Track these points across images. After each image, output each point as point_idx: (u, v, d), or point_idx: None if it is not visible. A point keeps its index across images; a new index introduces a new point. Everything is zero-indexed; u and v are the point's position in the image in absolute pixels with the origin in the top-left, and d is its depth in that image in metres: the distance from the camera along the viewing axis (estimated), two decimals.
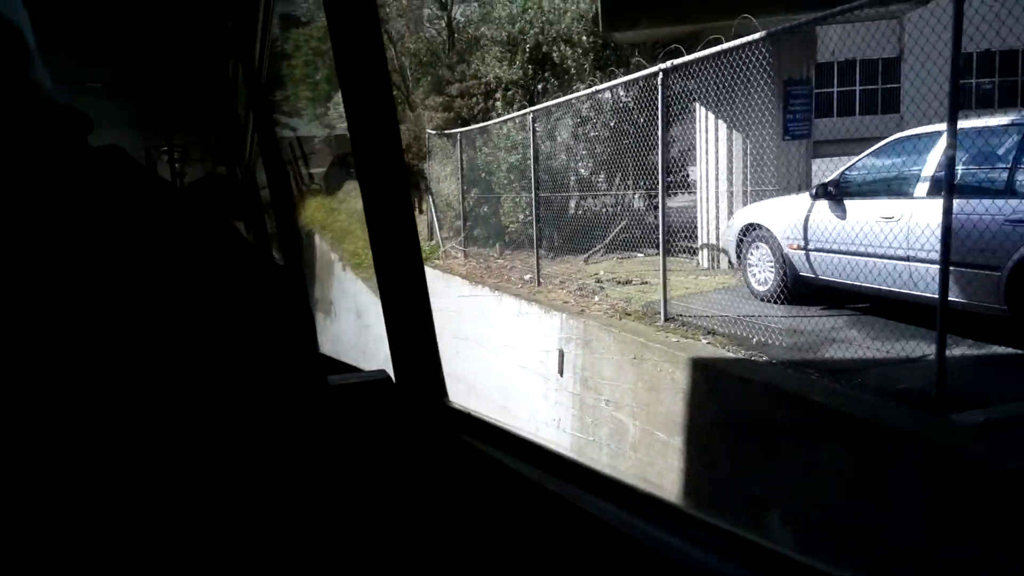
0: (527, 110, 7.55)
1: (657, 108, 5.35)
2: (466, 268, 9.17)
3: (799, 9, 6.52)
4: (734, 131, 6.88)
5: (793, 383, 3.97)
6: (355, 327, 10.99)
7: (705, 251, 7.42)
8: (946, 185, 3.53)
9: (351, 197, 15.72)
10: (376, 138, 1.04)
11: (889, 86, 22.33)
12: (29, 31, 0.64)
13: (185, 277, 0.53)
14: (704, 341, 4.96)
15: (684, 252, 7.90)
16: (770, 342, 4.71)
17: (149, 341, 0.51)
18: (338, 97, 16.93)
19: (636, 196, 8.10)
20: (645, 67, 5.87)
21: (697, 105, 7.06)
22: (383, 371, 1.20)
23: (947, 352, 3.59)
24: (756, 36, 4.82)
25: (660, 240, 5.58)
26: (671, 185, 7.84)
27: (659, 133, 5.35)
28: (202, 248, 0.56)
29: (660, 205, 5.50)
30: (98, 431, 0.50)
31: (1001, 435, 3.08)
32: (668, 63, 5.19)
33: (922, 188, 4.47)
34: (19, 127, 0.58)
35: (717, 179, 7.12)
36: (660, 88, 5.27)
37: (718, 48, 5.01)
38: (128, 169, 0.61)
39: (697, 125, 7.24)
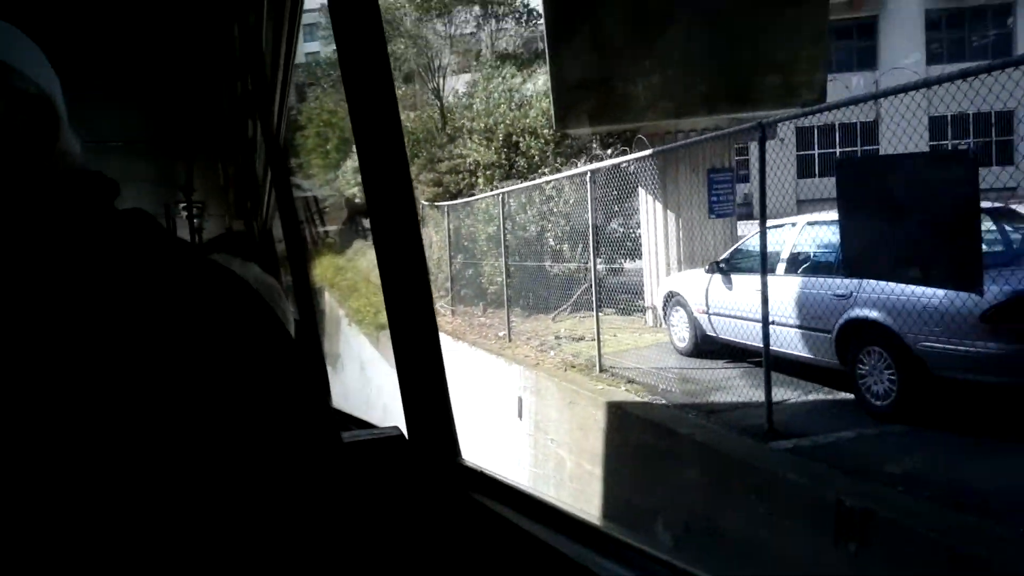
0: (497, 191, 8.91)
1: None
2: (452, 325, 10.40)
3: (713, 112, 7.90)
4: (668, 210, 8.15)
5: (673, 421, 5.10)
6: (363, 381, 12.12)
7: (650, 312, 8.59)
8: (761, 267, 4.73)
9: (359, 256, 17.11)
10: (393, 202, 1.07)
11: (868, 147, 23.54)
12: (60, 97, 0.66)
13: (204, 338, 0.55)
14: (623, 388, 6.10)
15: (638, 311, 9.07)
16: (671, 389, 5.85)
17: (166, 401, 0.53)
18: (346, 164, 18.51)
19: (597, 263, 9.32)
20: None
21: (640, 188, 8.36)
22: (396, 428, 1.19)
23: (807, 396, 4.74)
24: (646, 153, 6.13)
25: (594, 305, 6.79)
26: (627, 253, 9.11)
27: (589, 219, 6.62)
28: (220, 309, 0.58)
29: (592, 279, 6.73)
30: (116, 492, 0.51)
31: (799, 458, 4.19)
32: (590, 166, 6.50)
33: (780, 267, 5.66)
34: (49, 194, 0.61)
35: (657, 250, 8.36)
36: (588, 184, 6.57)
37: (631, 157, 6.31)
38: (151, 233, 0.64)
39: (641, 204, 8.53)
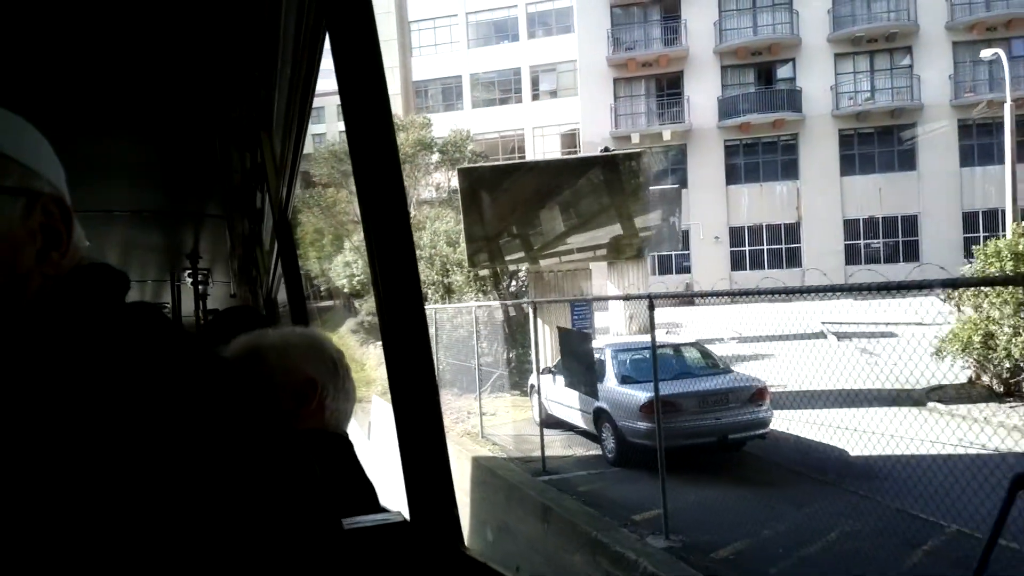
0: (431, 307, 12.60)
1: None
2: None
3: (566, 257, 11.61)
4: (546, 326, 11.77)
5: (499, 467, 8.53)
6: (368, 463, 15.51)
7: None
8: (536, 373, 8.30)
9: (351, 333, 20.61)
10: (401, 303, 1.08)
11: (792, 246, 27.19)
12: (67, 191, 0.66)
13: (198, 437, 0.55)
14: (487, 449, 9.54)
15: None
16: (514, 449, 9.29)
17: (158, 499, 0.52)
18: (340, 256, 22.11)
19: (509, 358, 12.92)
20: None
21: (528, 308, 12.00)
22: (399, 513, 1.17)
23: (585, 452, 8.13)
24: (523, 302, 9.80)
25: (477, 392, 10.32)
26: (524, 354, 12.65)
27: (474, 344, 10.24)
28: (217, 410, 0.58)
29: (476, 375, 10.28)
30: None
31: (547, 484, 7.60)
32: (477, 303, 10.16)
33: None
34: (62, 290, 0.62)
35: (541, 352, 11.94)
36: (475, 317, 10.21)
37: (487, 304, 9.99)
38: (157, 329, 0.64)
39: (531, 320, 12.14)
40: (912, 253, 25.93)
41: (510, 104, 34.30)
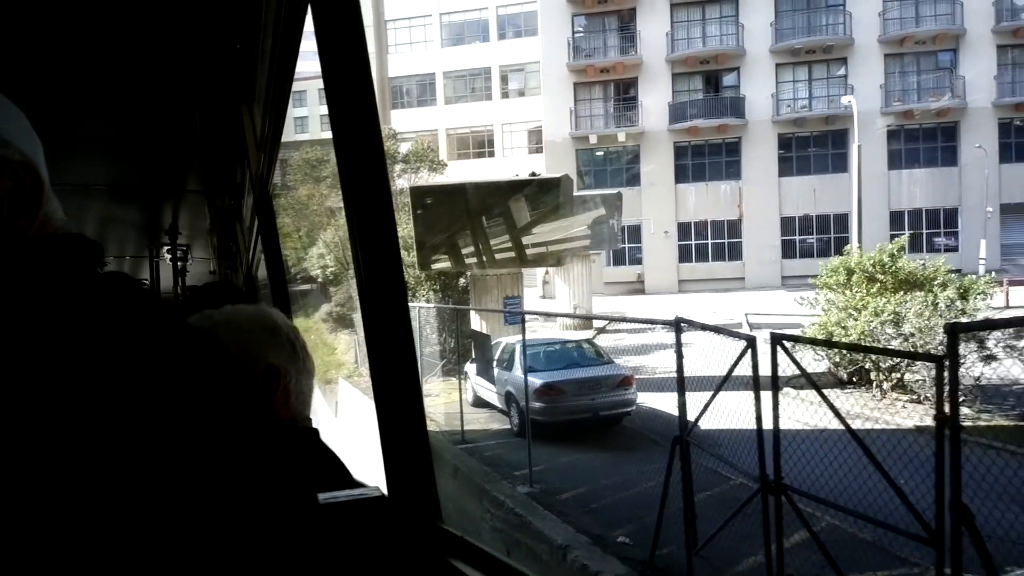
0: None
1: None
2: (366, 383, 16.05)
3: (497, 266, 13.74)
4: (482, 320, 13.92)
5: (432, 440, 10.70)
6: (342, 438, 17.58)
7: None
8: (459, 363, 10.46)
9: (322, 321, 22.57)
10: (383, 286, 1.07)
11: (733, 240, 29.43)
12: (43, 161, 0.66)
13: (173, 407, 0.55)
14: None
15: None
16: (445, 424, 11.46)
17: (134, 468, 0.51)
18: (315, 250, 23.96)
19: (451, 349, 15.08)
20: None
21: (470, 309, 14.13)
22: (377, 488, 1.17)
23: (501, 426, 10.29)
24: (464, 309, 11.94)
25: (419, 375, 12.51)
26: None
27: (417, 338, 12.38)
28: (192, 378, 0.58)
29: (419, 360, 12.45)
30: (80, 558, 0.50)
31: (462, 451, 9.76)
32: (418, 305, 12.28)
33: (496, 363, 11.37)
34: (33, 259, 0.61)
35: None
36: (418, 314, 12.32)
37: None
38: (131, 298, 0.63)
39: (472, 315, 14.29)
40: (843, 248, 28.30)
41: (481, 101, 36.12)
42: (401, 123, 35.73)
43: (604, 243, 20.80)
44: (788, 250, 28.69)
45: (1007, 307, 20.57)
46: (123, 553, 0.51)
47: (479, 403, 12.18)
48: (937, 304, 9.74)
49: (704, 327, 6.86)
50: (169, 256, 4.93)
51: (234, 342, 1.16)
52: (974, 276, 10.76)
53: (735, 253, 28.89)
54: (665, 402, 10.89)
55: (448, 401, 13.19)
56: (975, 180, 27.17)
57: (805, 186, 28.57)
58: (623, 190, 29.40)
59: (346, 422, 16.29)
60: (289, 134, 29.94)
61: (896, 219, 28.01)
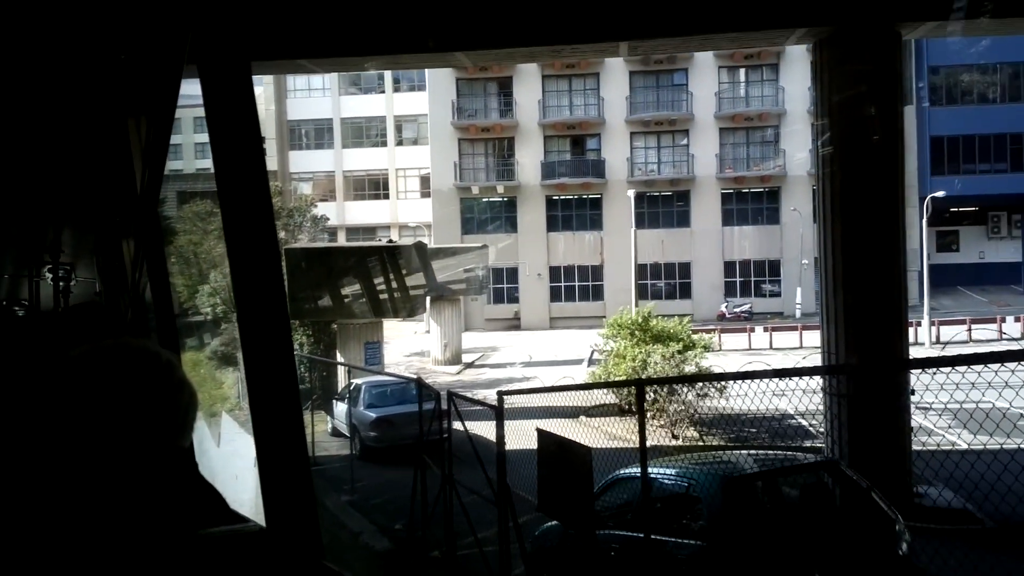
0: None
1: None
2: (247, 415, 18.35)
3: (363, 315, 16.56)
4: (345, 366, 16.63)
5: None
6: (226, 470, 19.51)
7: None
8: (340, 399, 13.20)
9: (208, 358, 24.32)
10: (263, 302, 1.09)
11: (596, 283, 33.33)
12: None
13: (50, 417, 0.54)
14: None
15: None
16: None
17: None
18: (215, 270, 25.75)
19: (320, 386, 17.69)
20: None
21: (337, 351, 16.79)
22: (256, 524, 1.13)
23: (340, 452, 13.00)
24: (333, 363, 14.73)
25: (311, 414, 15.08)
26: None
27: None
28: (75, 391, 0.56)
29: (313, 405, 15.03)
30: None
31: (314, 470, 12.45)
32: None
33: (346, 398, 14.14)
34: None
35: (338, 384, 16.78)
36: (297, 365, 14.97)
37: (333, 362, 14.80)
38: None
39: (338, 355, 16.97)
40: (686, 292, 32.84)
41: (377, 148, 38.93)
42: (298, 164, 38.03)
43: (473, 288, 24.06)
44: (642, 293, 32.89)
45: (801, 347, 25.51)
46: None
47: (336, 433, 14.85)
48: (673, 355, 13.39)
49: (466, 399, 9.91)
50: (50, 276, 4.62)
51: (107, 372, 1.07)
52: (704, 335, 14.55)
53: (598, 294, 32.85)
54: (482, 429, 13.99)
55: (318, 431, 15.78)
56: (793, 237, 32.40)
57: (655, 238, 33.00)
58: (502, 235, 33.01)
59: (229, 454, 18.25)
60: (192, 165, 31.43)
61: (729, 268, 32.85)
